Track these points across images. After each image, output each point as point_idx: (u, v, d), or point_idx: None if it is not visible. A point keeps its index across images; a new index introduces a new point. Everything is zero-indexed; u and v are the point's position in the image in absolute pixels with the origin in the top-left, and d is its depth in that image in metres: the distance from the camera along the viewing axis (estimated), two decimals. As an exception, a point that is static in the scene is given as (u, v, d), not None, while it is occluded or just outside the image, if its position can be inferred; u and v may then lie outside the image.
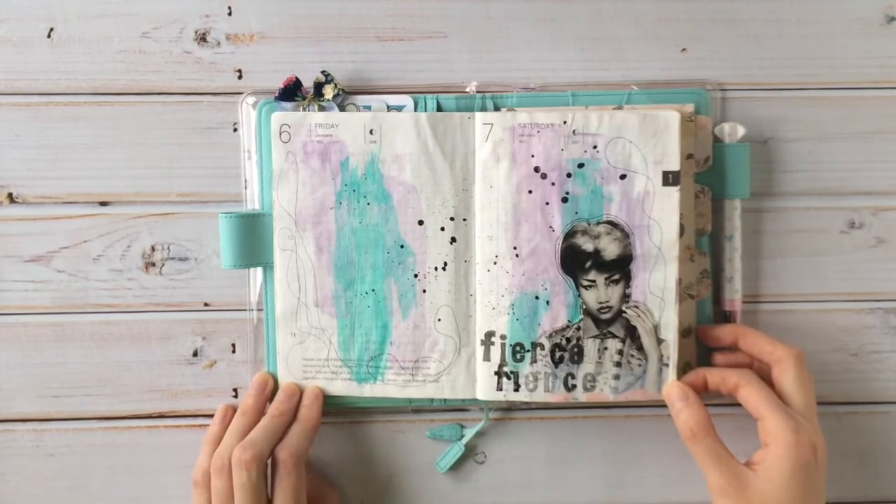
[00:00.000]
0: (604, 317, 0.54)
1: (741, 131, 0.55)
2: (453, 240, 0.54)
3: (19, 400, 0.58)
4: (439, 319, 0.55)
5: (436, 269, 0.55)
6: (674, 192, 0.52)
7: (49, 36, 0.56)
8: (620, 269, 0.53)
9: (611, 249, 0.53)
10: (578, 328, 0.54)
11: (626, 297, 0.53)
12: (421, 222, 0.54)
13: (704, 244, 0.56)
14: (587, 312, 0.54)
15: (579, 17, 0.57)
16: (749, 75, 0.57)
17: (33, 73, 0.56)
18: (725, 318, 0.56)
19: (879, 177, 0.58)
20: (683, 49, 0.57)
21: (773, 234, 0.58)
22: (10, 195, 0.57)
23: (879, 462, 0.59)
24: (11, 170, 0.57)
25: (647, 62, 0.57)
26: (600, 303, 0.53)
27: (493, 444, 0.58)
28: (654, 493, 0.58)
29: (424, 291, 0.55)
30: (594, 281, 0.53)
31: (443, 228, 0.54)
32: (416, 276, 0.55)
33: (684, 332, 0.55)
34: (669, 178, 0.52)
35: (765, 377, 0.52)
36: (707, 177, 0.55)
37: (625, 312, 0.53)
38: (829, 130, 0.57)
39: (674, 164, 0.52)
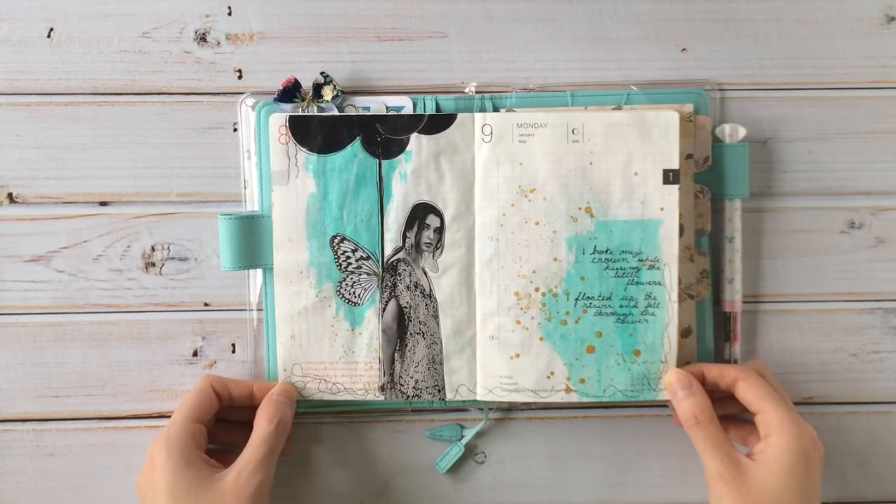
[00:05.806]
0: None
1: (742, 132, 0.55)
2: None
3: (19, 400, 0.58)
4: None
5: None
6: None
7: (49, 36, 0.56)
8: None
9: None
10: None
11: None
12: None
13: (704, 244, 0.56)
14: None
15: (579, 17, 0.57)
16: (749, 75, 0.57)
17: (33, 73, 0.56)
18: (725, 318, 0.56)
19: (879, 177, 0.58)
20: (683, 49, 0.57)
21: (773, 234, 0.58)
22: (10, 195, 0.57)
23: (879, 462, 0.59)
24: (11, 170, 0.57)
25: (647, 62, 0.57)
26: None
27: (493, 444, 0.58)
28: (654, 493, 0.58)
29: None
30: None
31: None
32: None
33: (684, 332, 0.55)
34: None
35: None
36: (706, 177, 0.55)
37: None
38: (829, 130, 0.57)
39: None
